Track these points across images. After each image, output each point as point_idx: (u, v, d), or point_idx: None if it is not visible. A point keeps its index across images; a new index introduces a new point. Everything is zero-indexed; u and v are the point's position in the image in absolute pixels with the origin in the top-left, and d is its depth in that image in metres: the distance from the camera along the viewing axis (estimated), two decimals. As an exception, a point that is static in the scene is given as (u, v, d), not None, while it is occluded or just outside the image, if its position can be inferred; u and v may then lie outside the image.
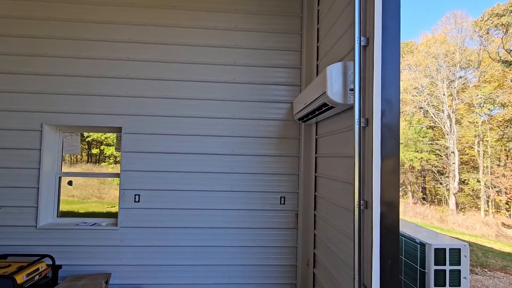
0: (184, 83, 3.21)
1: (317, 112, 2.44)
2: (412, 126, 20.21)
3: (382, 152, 1.78)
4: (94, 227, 3.10)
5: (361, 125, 1.86)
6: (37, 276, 2.67)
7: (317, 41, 3.07)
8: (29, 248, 2.99)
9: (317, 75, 2.94)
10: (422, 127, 20.10)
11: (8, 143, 3.05)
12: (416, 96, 21.43)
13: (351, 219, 1.87)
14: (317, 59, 3.06)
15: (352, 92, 1.95)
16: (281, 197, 3.22)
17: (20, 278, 2.48)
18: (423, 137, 19.52)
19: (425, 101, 20.71)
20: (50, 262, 2.89)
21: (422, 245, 2.19)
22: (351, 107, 1.97)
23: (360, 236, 1.82)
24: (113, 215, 3.25)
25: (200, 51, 3.23)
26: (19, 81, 3.08)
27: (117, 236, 3.08)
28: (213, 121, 3.21)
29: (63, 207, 3.45)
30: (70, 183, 3.39)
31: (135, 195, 3.12)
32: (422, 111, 21.60)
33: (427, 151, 19.26)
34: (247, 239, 3.18)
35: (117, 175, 3.21)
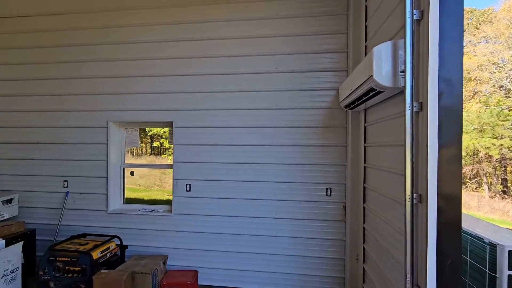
0: (228, 76, 3.27)
1: (364, 98, 2.26)
2: (489, 108, 17.43)
3: (440, 139, 1.57)
4: (153, 213, 3.43)
5: (414, 110, 1.66)
6: (109, 254, 3.08)
7: (365, 20, 2.82)
8: (102, 229, 3.46)
9: (365, 58, 2.72)
10: (502, 109, 17.20)
11: (82, 139, 3.54)
12: (495, 73, 18.35)
13: (404, 214, 1.71)
14: (365, 40, 2.82)
15: (403, 74, 1.75)
16: (327, 189, 3.11)
17: (95, 254, 2.90)
18: (504, 121, 16.69)
19: (507, 78, 17.63)
20: (119, 242, 3.30)
21: (492, 245, 1.89)
22: (403, 91, 1.77)
23: (412, 232, 1.65)
24: (171, 202, 3.54)
25: (242, 43, 3.25)
26: (87, 84, 3.52)
27: (172, 222, 3.36)
28: (257, 112, 3.23)
29: (131, 195, 3.89)
30: (132, 173, 3.79)
31: (186, 184, 3.35)
32: (503, 90, 18.45)
33: (509, 137, 16.48)
34: (293, 230, 3.16)
35: (170, 166, 3.48)
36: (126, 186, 3.77)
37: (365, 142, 2.83)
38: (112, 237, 3.28)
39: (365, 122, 2.82)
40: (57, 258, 2.84)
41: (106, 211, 3.48)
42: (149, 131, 10.00)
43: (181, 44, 3.35)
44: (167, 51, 3.37)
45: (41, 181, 3.61)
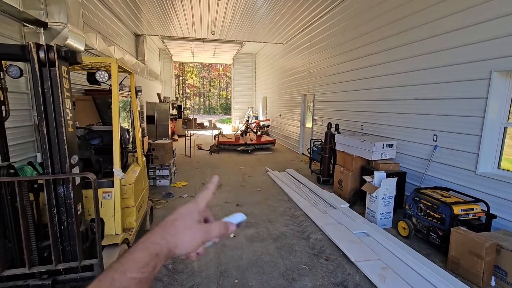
0: None
1: None
2: None
3: None
4: (543, 190, 2.59)
5: None
6: (471, 215, 2.89)
7: None
8: (465, 189, 3.26)
9: None
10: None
11: (455, 94, 3.41)
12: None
13: None
14: None
15: None
16: None
17: (456, 210, 2.86)
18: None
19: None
20: (485, 209, 2.95)
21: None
22: None
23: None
24: None
25: None
26: (465, 35, 3.22)
27: None
28: None
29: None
30: (516, 135, 3.06)
31: None
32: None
33: None
34: None
35: None
36: (510, 157, 3.16)
37: None
38: (477, 200, 2.99)
39: None
40: (421, 200, 3.19)
41: (475, 171, 3.19)
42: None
43: None
44: None
45: (414, 133, 4.08)
